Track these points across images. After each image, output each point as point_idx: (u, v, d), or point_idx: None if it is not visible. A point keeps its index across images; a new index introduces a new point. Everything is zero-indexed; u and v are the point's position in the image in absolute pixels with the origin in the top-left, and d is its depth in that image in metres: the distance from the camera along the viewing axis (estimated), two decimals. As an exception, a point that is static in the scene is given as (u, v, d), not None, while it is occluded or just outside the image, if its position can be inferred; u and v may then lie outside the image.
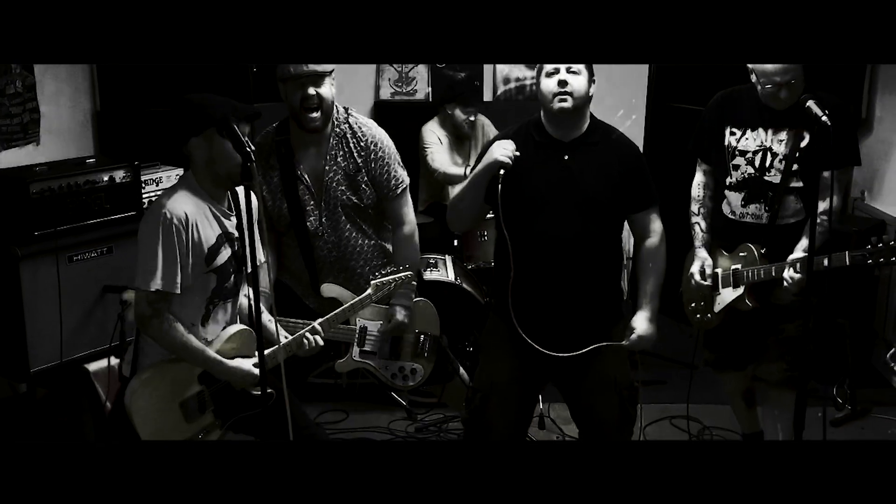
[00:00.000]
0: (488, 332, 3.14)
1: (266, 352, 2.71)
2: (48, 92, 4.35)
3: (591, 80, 2.89)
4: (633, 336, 2.95)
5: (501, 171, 2.82)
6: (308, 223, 3.30)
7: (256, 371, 2.76)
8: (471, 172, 3.00)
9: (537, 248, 2.87)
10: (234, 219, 2.81)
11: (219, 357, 2.76)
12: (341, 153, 3.28)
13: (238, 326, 2.89)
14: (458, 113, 4.99)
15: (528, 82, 5.74)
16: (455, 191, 3.18)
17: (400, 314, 3.33)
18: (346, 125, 3.30)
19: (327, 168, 3.27)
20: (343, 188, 3.29)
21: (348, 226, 3.34)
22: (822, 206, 3.18)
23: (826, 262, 3.01)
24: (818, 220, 3.17)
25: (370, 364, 3.36)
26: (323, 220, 3.31)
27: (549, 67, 2.84)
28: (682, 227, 3.50)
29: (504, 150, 2.84)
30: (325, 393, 4.33)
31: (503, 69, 5.73)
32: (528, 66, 5.73)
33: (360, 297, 3.14)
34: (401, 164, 3.39)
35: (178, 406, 2.76)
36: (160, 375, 2.74)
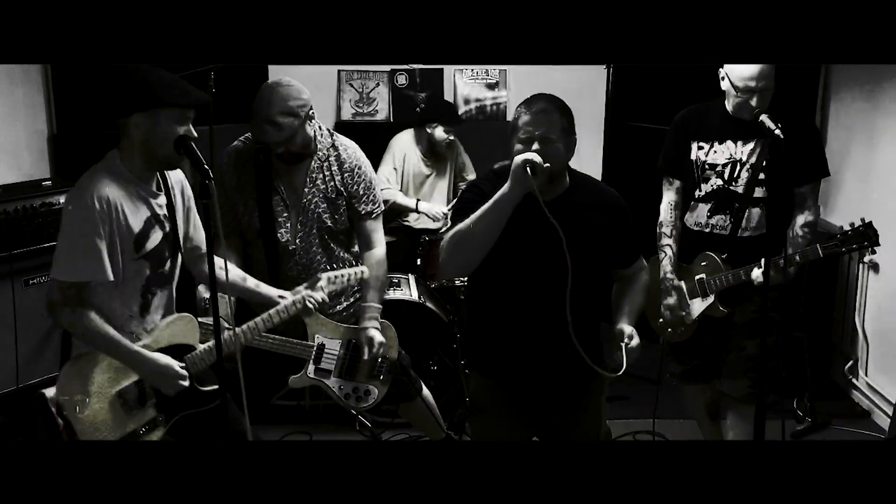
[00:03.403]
0: (475, 393, 2.97)
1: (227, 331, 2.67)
2: (2, 114, 4.29)
3: (568, 146, 2.64)
4: (636, 341, 2.68)
5: (528, 169, 2.49)
6: (279, 234, 3.27)
7: (179, 368, 2.68)
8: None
9: (521, 307, 2.71)
10: (162, 198, 2.69)
11: (135, 347, 2.61)
12: (322, 176, 3.28)
13: (179, 314, 2.80)
14: (439, 133, 5.02)
15: (487, 103, 5.77)
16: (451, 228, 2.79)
17: (378, 336, 3.30)
18: (331, 149, 3.31)
19: (307, 190, 3.26)
20: (321, 210, 3.28)
21: (321, 249, 3.33)
22: (801, 219, 3.28)
23: (798, 258, 3.12)
24: (801, 233, 3.26)
25: (324, 382, 3.33)
26: (297, 240, 3.29)
27: (522, 133, 2.59)
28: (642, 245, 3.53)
29: (528, 154, 2.53)
30: (288, 415, 4.29)
31: (463, 90, 5.76)
32: (487, 86, 5.77)
33: (312, 291, 3.08)
34: (379, 189, 3.43)
35: (116, 396, 2.64)
36: (93, 362, 2.61)
